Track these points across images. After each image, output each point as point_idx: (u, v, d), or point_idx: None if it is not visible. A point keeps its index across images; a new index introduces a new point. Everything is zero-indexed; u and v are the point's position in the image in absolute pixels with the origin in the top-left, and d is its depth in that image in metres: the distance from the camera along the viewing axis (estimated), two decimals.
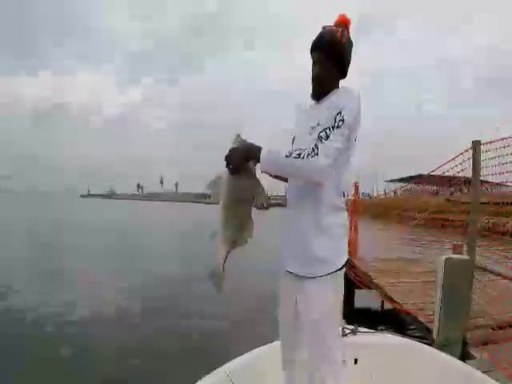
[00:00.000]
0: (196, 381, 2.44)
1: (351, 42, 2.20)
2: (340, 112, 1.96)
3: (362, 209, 11.58)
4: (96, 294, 10.00)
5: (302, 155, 1.86)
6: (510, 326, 4.95)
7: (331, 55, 2.15)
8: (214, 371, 2.58)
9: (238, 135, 2.04)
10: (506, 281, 6.85)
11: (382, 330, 4.08)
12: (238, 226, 2.03)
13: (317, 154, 1.85)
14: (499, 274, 7.08)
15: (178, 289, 10.82)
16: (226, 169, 2.00)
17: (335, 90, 2.19)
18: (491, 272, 7.15)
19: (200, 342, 6.83)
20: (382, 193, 29.11)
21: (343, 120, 1.94)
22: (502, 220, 10.09)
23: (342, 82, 2.24)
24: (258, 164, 1.99)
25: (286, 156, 1.88)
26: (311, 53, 2.23)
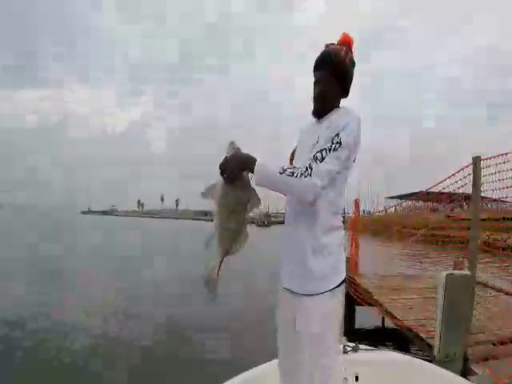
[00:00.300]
0: None
1: (354, 62, 2.23)
2: (338, 134, 1.97)
3: (362, 226, 11.59)
4: (98, 301, 10.00)
5: (295, 174, 1.87)
6: (511, 342, 4.94)
7: (335, 74, 2.17)
8: None
9: (233, 142, 2.06)
10: (507, 296, 6.85)
11: (383, 347, 4.08)
12: (231, 234, 2.06)
13: (310, 175, 1.87)
14: (500, 290, 7.09)
15: (179, 302, 10.81)
16: (221, 177, 2.03)
17: (336, 109, 2.20)
18: (492, 288, 7.16)
19: (201, 355, 6.81)
20: (382, 209, 29.10)
21: (340, 143, 1.95)
22: (503, 236, 10.08)
23: (343, 102, 2.27)
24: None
25: (280, 173, 1.88)
26: (314, 71, 2.25)
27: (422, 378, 2.90)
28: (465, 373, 4.21)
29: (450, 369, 2.98)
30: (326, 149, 1.93)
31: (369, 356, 3.10)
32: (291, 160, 2.43)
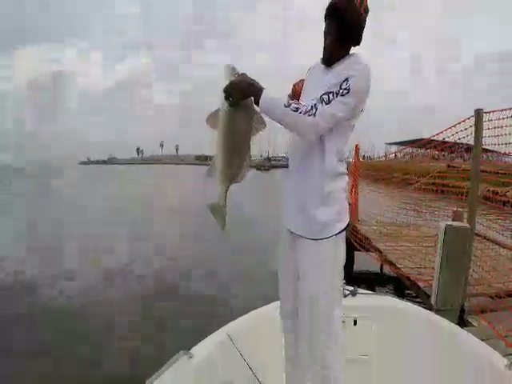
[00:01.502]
0: (197, 343, 2.41)
1: (368, 10, 2.08)
2: (347, 80, 1.92)
3: (363, 172, 11.40)
4: (97, 259, 10.03)
5: (299, 110, 1.87)
6: (508, 296, 4.93)
7: (347, 22, 2.04)
8: (216, 332, 2.56)
9: (234, 68, 1.98)
10: (505, 250, 6.81)
11: (381, 292, 4.07)
12: (237, 160, 2.01)
13: (313, 115, 1.86)
14: (498, 243, 7.05)
15: (178, 251, 10.83)
16: (225, 101, 1.95)
17: (347, 56, 2.11)
18: (491, 241, 7.12)
19: (200, 303, 6.83)
20: (383, 155, 28.85)
21: (348, 89, 1.91)
22: (503, 189, 10.00)
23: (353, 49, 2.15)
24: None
25: (285, 106, 1.87)
26: (325, 18, 2.12)
27: (419, 325, 2.87)
28: (461, 324, 4.18)
29: (446, 318, 2.93)
30: (333, 92, 1.91)
31: (367, 300, 3.07)
32: (292, 91, 2.40)
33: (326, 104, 1.89)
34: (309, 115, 1.86)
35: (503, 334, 3.90)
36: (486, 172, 7.90)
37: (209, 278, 8.34)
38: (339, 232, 2.11)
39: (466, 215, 4.96)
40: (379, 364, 2.72)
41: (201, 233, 11.03)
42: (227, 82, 1.92)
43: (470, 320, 4.41)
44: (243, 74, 1.95)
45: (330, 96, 1.90)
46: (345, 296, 2.89)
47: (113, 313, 6.61)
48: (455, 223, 4.43)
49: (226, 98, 1.93)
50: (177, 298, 7.27)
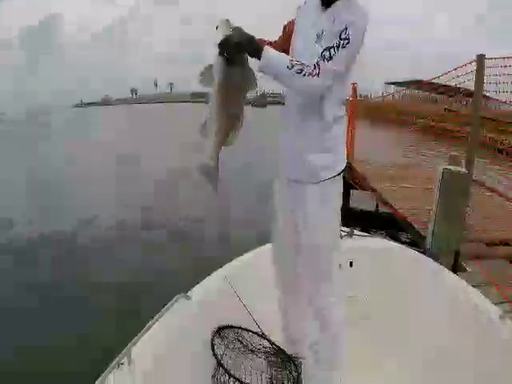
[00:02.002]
0: (194, 285, 2.42)
1: None
2: (346, 29, 1.82)
3: (360, 111, 11.20)
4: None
5: (303, 72, 1.79)
6: (503, 244, 4.97)
7: None
8: (213, 274, 2.57)
9: (228, 21, 1.84)
10: (501, 199, 6.83)
11: (375, 231, 4.07)
12: (229, 120, 1.91)
13: (317, 75, 1.79)
14: (494, 191, 7.07)
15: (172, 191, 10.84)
16: (220, 56, 1.83)
17: (343, 0, 1.95)
18: (488, 188, 7.13)
19: (196, 246, 6.86)
20: (380, 95, 28.31)
21: (349, 39, 1.82)
22: (500, 137, 9.95)
23: None
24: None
25: (288, 67, 1.79)
26: None
27: (414, 268, 2.88)
28: (455, 268, 4.22)
29: (441, 262, 2.95)
30: (334, 47, 1.82)
31: (363, 242, 3.08)
32: (283, 34, 2.26)
33: (328, 61, 1.81)
34: (312, 76, 1.79)
35: (497, 281, 3.94)
36: (485, 118, 7.84)
37: (205, 220, 8.30)
38: (338, 174, 2.10)
39: (463, 160, 4.91)
40: (373, 305, 2.74)
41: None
42: (222, 37, 1.80)
43: (464, 265, 4.45)
44: (238, 28, 1.84)
45: (332, 51, 1.82)
46: (341, 237, 2.88)
47: (111, 253, 6.64)
48: (453, 168, 4.39)
49: (221, 54, 1.82)
50: (175, 239, 7.29)
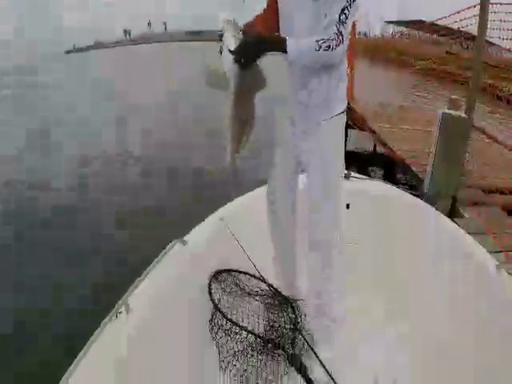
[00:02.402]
0: (190, 230, 2.40)
1: None
2: None
3: (359, 49, 10.90)
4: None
5: (331, 47, 1.77)
6: (500, 192, 4.95)
7: None
8: (208, 218, 2.54)
9: (235, 23, 1.78)
10: (499, 146, 6.78)
11: (372, 171, 4.02)
12: (242, 127, 1.89)
13: (341, 41, 1.79)
14: (494, 138, 7.00)
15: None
16: (235, 63, 1.75)
17: None
18: (487, 135, 7.06)
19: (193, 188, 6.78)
20: (379, 34, 27.75)
21: None
22: (501, 83, 9.80)
23: None
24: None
25: (316, 49, 1.76)
26: None
27: (410, 212, 2.87)
28: (453, 214, 4.22)
29: (438, 207, 2.92)
30: (346, 6, 1.80)
31: (360, 185, 3.05)
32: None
33: (345, 23, 1.80)
34: (338, 46, 1.78)
35: (493, 229, 3.94)
36: (487, 64, 7.68)
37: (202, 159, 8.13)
38: (342, 112, 2.11)
39: (463, 104, 4.82)
40: (369, 249, 2.73)
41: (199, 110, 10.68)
42: (233, 41, 1.72)
43: (461, 211, 4.44)
44: (247, 29, 1.82)
45: (346, 13, 1.79)
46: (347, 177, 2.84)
47: (106, 197, 6.61)
48: (454, 112, 4.32)
49: (237, 60, 1.74)
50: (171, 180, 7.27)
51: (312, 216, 2.17)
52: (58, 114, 12.40)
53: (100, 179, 7.45)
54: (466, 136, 4.47)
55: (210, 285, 2.16)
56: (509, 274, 2.09)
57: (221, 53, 1.80)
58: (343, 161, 2.19)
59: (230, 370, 1.90)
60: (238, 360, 1.92)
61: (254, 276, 2.32)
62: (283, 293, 2.29)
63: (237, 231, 2.34)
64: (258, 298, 2.27)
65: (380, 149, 7.03)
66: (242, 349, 1.95)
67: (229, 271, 2.32)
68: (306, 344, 1.97)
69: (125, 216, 5.91)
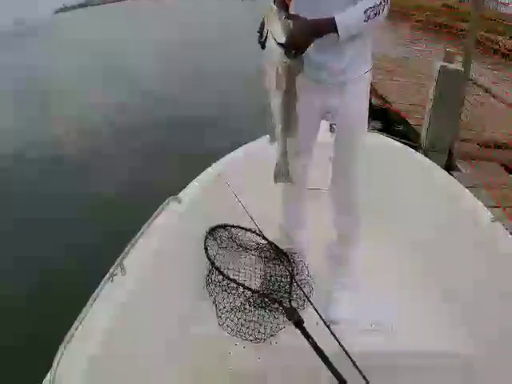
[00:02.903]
0: (186, 185, 2.34)
1: None
2: None
3: None
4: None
5: (378, 13, 1.68)
6: (495, 147, 4.93)
7: None
8: (202, 174, 2.47)
9: (278, 9, 1.64)
10: (495, 100, 6.73)
11: (372, 130, 3.95)
12: (293, 115, 1.80)
13: (386, 3, 1.70)
14: (490, 92, 6.95)
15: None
16: (285, 55, 1.64)
17: None
18: (484, 89, 7.00)
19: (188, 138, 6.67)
20: None
21: None
22: (497, 38, 9.68)
23: None
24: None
25: (365, 20, 1.68)
26: None
27: (407, 164, 2.84)
28: (449, 167, 4.20)
29: (434, 160, 2.89)
30: None
31: None
32: None
33: None
34: (383, 10, 1.70)
35: (488, 184, 3.94)
36: (484, 18, 7.55)
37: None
38: (369, 70, 2.01)
39: (460, 58, 4.74)
40: (368, 200, 2.71)
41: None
42: (281, 33, 1.62)
43: (457, 165, 4.43)
44: (296, 17, 1.69)
45: None
46: (333, 131, 2.78)
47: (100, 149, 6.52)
48: (450, 65, 4.25)
49: (288, 52, 1.64)
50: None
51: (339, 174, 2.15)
52: None
53: None
54: (462, 89, 4.41)
55: (205, 241, 2.14)
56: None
57: (260, 43, 1.71)
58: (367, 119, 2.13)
59: (228, 326, 1.89)
60: (235, 315, 1.92)
61: (250, 230, 2.30)
62: (282, 246, 2.27)
63: (232, 185, 2.30)
64: (254, 252, 2.26)
65: (375, 101, 6.91)
66: (239, 304, 1.94)
67: (224, 227, 2.30)
68: (303, 297, 1.96)
69: None
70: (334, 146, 2.12)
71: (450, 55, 4.38)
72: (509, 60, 8.96)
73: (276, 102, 1.77)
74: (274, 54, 1.66)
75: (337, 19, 1.66)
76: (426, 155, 3.01)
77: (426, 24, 8.18)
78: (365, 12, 1.67)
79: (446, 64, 4.23)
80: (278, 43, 1.62)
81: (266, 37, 1.66)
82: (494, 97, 6.87)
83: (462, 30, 5.91)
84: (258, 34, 1.71)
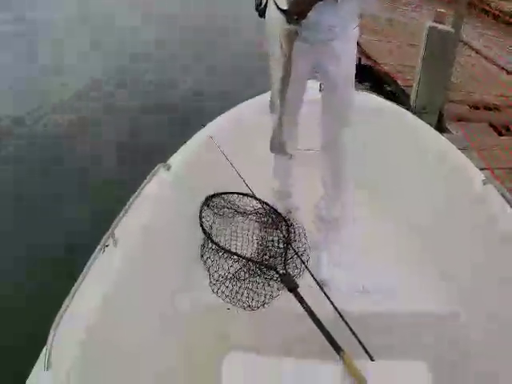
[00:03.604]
0: (177, 149, 2.29)
1: None
2: None
3: None
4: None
5: None
6: (485, 108, 4.90)
7: None
8: (192, 139, 2.41)
9: None
10: (486, 62, 6.67)
11: (358, 83, 3.87)
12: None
13: None
14: (479, 53, 6.88)
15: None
16: (287, 23, 1.58)
17: None
18: (475, 51, 6.93)
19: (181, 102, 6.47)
20: None
21: None
22: None
23: None
24: None
25: None
26: None
27: (399, 124, 2.78)
28: (439, 129, 4.18)
29: (424, 121, 2.85)
30: None
31: None
32: None
33: None
34: None
35: (479, 147, 3.92)
36: None
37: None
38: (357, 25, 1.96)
39: (450, 18, 4.67)
40: (359, 159, 2.68)
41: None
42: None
43: (447, 126, 4.41)
44: None
45: None
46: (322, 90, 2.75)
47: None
48: (440, 26, 4.19)
49: (290, 18, 1.56)
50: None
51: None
52: None
53: None
54: (453, 50, 4.36)
55: (201, 211, 2.10)
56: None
57: (259, 11, 1.66)
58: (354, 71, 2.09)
59: (223, 292, 1.87)
60: (230, 282, 1.89)
61: (246, 195, 2.26)
62: (278, 209, 2.24)
63: (224, 149, 2.26)
64: (251, 216, 2.22)
65: (365, 62, 6.78)
66: (233, 272, 1.91)
67: (219, 195, 2.25)
68: (299, 262, 1.94)
69: None
70: (321, 105, 2.10)
71: (440, 16, 4.30)
72: (500, 22, 8.88)
73: (277, 68, 1.72)
74: (275, 20, 1.60)
75: None
76: (416, 115, 2.97)
77: None
78: None
79: (436, 25, 4.16)
80: (280, 9, 1.56)
81: (266, 4, 1.61)
82: (485, 58, 6.80)
83: None
84: (257, 2, 1.66)
